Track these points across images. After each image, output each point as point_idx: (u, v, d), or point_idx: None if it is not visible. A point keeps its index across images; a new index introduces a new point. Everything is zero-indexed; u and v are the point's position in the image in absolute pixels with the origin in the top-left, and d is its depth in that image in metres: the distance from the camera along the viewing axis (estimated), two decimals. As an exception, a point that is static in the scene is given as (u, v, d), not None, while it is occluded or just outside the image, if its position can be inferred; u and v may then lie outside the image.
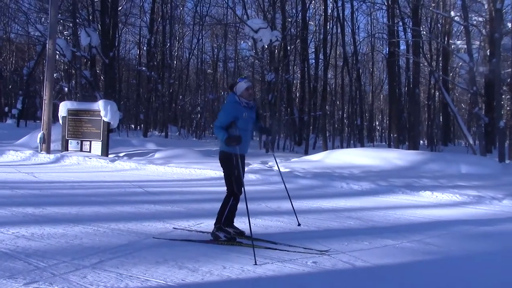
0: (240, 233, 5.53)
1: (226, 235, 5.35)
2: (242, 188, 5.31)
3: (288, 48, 26.70)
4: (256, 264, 4.48)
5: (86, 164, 13.63)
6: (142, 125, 32.95)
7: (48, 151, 15.23)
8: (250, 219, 5.08)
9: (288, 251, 4.99)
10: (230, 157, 5.33)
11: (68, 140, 15.57)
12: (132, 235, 5.48)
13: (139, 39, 36.68)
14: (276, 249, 5.04)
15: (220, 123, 5.32)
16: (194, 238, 5.44)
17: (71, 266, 4.21)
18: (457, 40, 30.08)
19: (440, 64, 28.48)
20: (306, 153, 21.19)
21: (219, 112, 5.58)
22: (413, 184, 10.61)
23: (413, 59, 20.97)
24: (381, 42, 36.54)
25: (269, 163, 13.81)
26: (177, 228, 5.87)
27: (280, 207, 7.64)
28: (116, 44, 28.56)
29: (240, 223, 5.75)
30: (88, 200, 7.76)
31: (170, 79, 32.01)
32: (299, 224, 5.85)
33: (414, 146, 20.24)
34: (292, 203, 6.09)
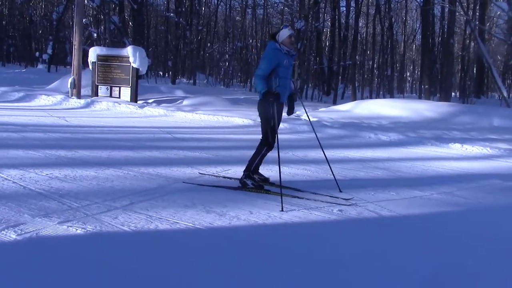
0: (265, 179, 5.60)
1: (253, 182, 5.41)
2: (276, 138, 5.32)
3: (319, -6, 26.01)
4: (282, 210, 4.54)
5: (116, 110, 13.80)
6: (170, 72, 32.92)
7: (79, 96, 15.45)
8: (280, 167, 5.11)
9: (314, 199, 5.03)
10: (268, 106, 5.31)
11: (98, 85, 15.73)
12: (161, 179, 5.59)
13: (167, -16, 36.15)
14: (302, 197, 5.08)
15: (262, 71, 5.25)
16: (222, 184, 5.53)
17: (103, 207, 4.34)
18: (497, -13, 28.76)
19: (477, 13, 27.35)
20: (335, 103, 20.99)
21: (260, 60, 5.50)
22: (442, 136, 10.47)
23: (449, 7, 20.22)
24: (416, -11, 35.25)
25: (297, 112, 13.76)
26: (204, 174, 5.95)
27: (307, 156, 7.66)
28: (145, -11, 28.26)
29: (267, 170, 5.80)
30: (118, 144, 7.90)
31: (198, 25, 31.71)
32: (340, 191, 5.45)
33: (445, 98, 19.84)
34: (332, 168, 5.81)
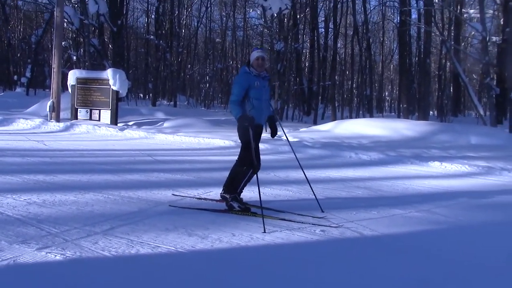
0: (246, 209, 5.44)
1: (240, 205, 5.38)
2: (259, 159, 5.37)
3: (298, 16, 26.37)
4: (265, 232, 4.53)
5: (96, 133, 13.70)
6: (150, 94, 32.85)
7: (58, 119, 15.31)
8: (260, 188, 5.11)
9: (296, 221, 5.03)
10: (246, 131, 5.32)
11: (77, 108, 15.62)
12: (142, 202, 5.54)
13: (147, 7, 36.21)
14: (284, 218, 5.07)
15: (235, 97, 5.30)
16: (205, 206, 5.49)
17: (83, 232, 4.27)
18: (470, 9, 29.50)
19: (452, 34, 28.00)
20: (315, 123, 21.14)
21: (232, 86, 5.55)
22: (422, 155, 10.59)
23: (425, 28, 20.68)
24: (392, 11, 36.00)
25: (278, 133, 13.81)
26: (185, 196, 5.92)
27: (289, 176, 7.67)
28: (124, 12, 28.33)
29: (249, 191, 5.79)
30: (98, 168, 7.82)
31: (178, 48, 31.77)
32: (322, 211, 5.44)
33: (423, 116, 20.14)
34: (312, 188, 5.82)
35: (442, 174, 8.89)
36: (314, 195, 5.69)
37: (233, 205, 5.39)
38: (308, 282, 3.47)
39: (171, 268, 3.60)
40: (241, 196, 5.59)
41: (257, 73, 5.41)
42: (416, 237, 4.72)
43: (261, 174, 7.67)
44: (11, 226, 4.33)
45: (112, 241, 4.05)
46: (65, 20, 20.09)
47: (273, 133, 5.83)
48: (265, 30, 26.71)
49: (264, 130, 5.87)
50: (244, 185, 5.52)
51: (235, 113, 5.26)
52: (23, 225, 4.39)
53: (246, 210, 5.33)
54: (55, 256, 3.64)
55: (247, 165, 5.40)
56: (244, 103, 5.32)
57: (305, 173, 5.93)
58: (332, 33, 26.65)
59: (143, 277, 3.39)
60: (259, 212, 5.17)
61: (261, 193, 5.10)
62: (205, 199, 5.86)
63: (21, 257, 3.58)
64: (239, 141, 5.55)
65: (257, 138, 5.51)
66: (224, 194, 5.49)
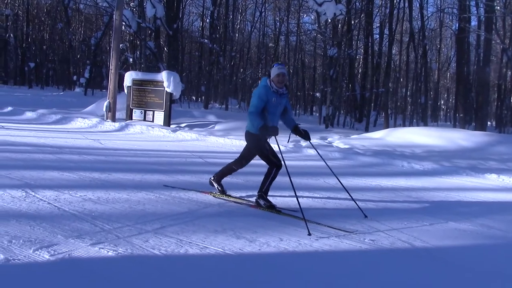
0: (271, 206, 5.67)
1: (265, 202, 5.63)
2: (281, 160, 5.59)
3: (352, 22, 26.09)
4: (310, 234, 4.57)
5: (149, 133, 14.01)
6: (203, 97, 33.32)
7: (114, 119, 15.75)
8: (296, 194, 5.08)
9: (342, 229, 4.96)
10: (256, 138, 5.66)
11: (132, 109, 16.02)
12: (192, 203, 5.61)
13: (202, 11, 36.86)
14: (331, 227, 5.01)
15: (255, 109, 5.51)
16: (245, 204, 5.54)
17: (134, 230, 4.37)
18: (534, 16, 28.30)
19: (514, 42, 26.96)
20: (367, 130, 20.83)
21: (251, 98, 5.70)
22: (478, 166, 10.23)
23: (485, 35, 19.99)
24: (450, 18, 35.01)
25: (329, 139, 13.70)
26: (217, 196, 5.97)
27: (338, 184, 7.57)
28: (180, 16, 28.88)
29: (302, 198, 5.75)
30: (151, 168, 7.99)
31: (231, 52, 32.10)
32: (365, 216, 5.47)
33: (481, 127, 19.46)
34: (351, 194, 5.88)
35: (500, 187, 8.55)
36: (355, 202, 5.75)
37: (259, 201, 5.67)
38: (356, 291, 3.42)
39: (218, 270, 3.63)
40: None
41: (275, 89, 5.57)
42: (469, 252, 4.56)
43: (311, 180, 7.66)
44: (67, 221, 4.49)
45: (162, 240, 4.12)
46: (123, 23, 20.68)
47: (306, 136, 6.01)
48: (319, 35, 26.59)
49: (287, 142, 6.24)
50: (269, 185, 5.70)
51: (257, 123, 5.44)
52: (78, 220, 4.54)
53: (271, 207, 5.57)
54: (108, 252, 3.74)
55: (272, 166, 5.67)
56: (264, 114, 5.53)
57: (340, 180, 5.88)
58: (387, 40, 26.20)
59: (190, 277, 3.43)
60: (296, 215, 5.16)
61: (311, 200, 5.06)
62: (242, 201, 5.87)
63: (75, 252, 3.70)
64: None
65: (267, 143, 5.76)
66: (212, 180, 6.22)
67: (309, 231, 4.61)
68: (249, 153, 6.01)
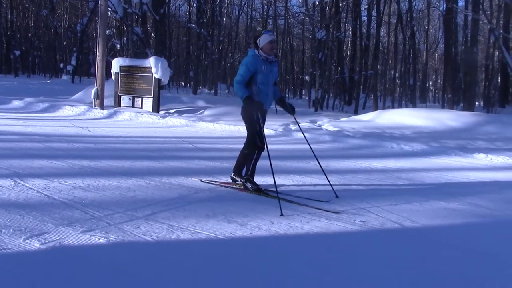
0: (258, 189, 5.62)
1: (253, 186, 5.61)
2: (264, 141, 5.53)
3: (340, 4, 25.95)
4: (282, 215, 4.63)
5: (138, 120, 13.94)
6: (191, 82, 33.18)
7: (102, 106, 15.65)
8: (295, 177, 5.09)
9: (333, 212, 4.99)
10: (251, 111, 5.48)
11: (120, 96, 15.92)
12: (182, 189, 5.61)
13: (189, -4, 36.54)
14: (319, 208, 5.04)
15: (241, 77, 5.42)
16: (235, 189, 5.56)
17: (125, 216, 4.36)
18: (521, -5, 28.34)
19: (501, 22, 27.02)
20: (356, 112, 20.88)
21: (239, 67, 5.63)
22: (466, 146, 10.31)
23: (472, 15, 20.00)
24: (438, -2, 34.98)
25: (318, 122, 13.71)
26: (206, 182, 5.96)
27: (329, 166, 7.60)
28: (167, 1, 28.58)
29: (289, 180, 5.77)
30: (140, 154, 7.97)
31: (219, 36, 31.92)
32: (336, 196, 5.50)
33: (469, 107, 19.57)
34: (326, 173, 5.88)
35: (488, 166, 8.63)
36: (329, 182, 5.76)
37: (247, 185, 5.63)
38: (346, 272, 3.44)
39: (210, 254, 3.64)
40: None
41: (265, 57, 5.48)
42: (459, 231, 4.61)
43: (301, 163, 7.68)
44: (57, 209, 4.47)
45: (153, 226, 4.12)
46: (109, 9, 20.45)
47: (292, 111, 5.94)
48: (307, 18, 26.49)
49: (274, 112, 5.99)
50: (253, 168, 5.69)
51: (241, 93, 5.39)
52: (69, 208, 4.52)
53: (259, 190, 5.55)
54: (99, 239, 3.74)
55: (251, 146, 5.61)
56: (249, 85, 5.43)
57: (320, 163, 5.88)
58: (375, 22, 26.13)
59: (182, 263, 3.44)
60: (285, 197, 5.18)
61: (300, 182, 5.08)
62: (229, 185, 5.87)
63: (66, 239, 3.69)
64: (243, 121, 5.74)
65: (263, 121, 5.61)
66: (233, 176, 5.83)
67: (281, 212, 4.68)
68: (253, 128, 5.59)
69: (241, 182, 5.73)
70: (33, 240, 3.62)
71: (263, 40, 5.48)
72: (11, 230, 3.81)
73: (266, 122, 5.81)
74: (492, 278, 3.50)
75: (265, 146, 5.55)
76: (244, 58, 5.65)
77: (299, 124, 6.69)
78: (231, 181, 5.95)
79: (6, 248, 3.46)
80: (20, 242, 3.58)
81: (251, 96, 5.39)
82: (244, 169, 5.76)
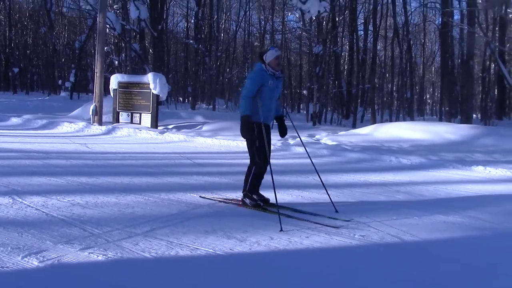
0: (265, 200, 5.66)
1: (251, 201, 5.58)
2: (268, 158, 5.45)
3: (337, 19, 26.15)
4: (281, 230, 4.61)
5: (137, 136, 13.95)
6: (190, 97, 33.24)
7: (100, 122, 15.66)
8: (275, 190, 5.09)
9: (332, 226, 4.98)
10: (252, 126, 5.44)
11: (119, 112, 15.95)
12: (181, 205, 5.60)
13: (186, 12, 36.71)
14: (319, 223, 5.03)
15: (247, 92, 5.42)
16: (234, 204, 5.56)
17: (124, 233, 4.35)
18: (516, 9, 28.58)
19: (497, 35, 27.19)
20: (354, 126, 20.92)
21: (245, 81, 5.65)
22: (465, 159, 10.33)
23: (468, 29, 20.14)
24: (433, 12, 35.21)
25: (316, 136, 13.73)
26: (205, 198, 5.94)
27: (327, 180, 7.60)
28: (165, 17, 28.77)
29: (287, 195, 5.77)
30: (139, 170, 7.96)
31: (217, 52, 32.05)
32: (336, 211, 5.49)
33: (466, 120, 19.61)
34: (326, 187, 5.88)
35: (486, 179, 8.64)
36: (329, 196, 5.73)
37: (245, 201, 5.63)
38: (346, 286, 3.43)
39: (210, 271, 3.63)
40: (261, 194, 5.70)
41: (272, 72, 5.49)
42: (458, 244, 4.59)
43: (300, 178, 7.68)
44: (55, 226, 4.46)
45: (152, 243, 4.11)
46: (107, 26, 20.58)
47: (283, 133, 5.91)
48: (304, 33, 26.66)
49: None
50: (258, 184, 5.66)
51: (243, 109, 5.41)
52: (67, 225, 4.51)
53: (257, 206, 5.54)
54: (98, 256, 3.72)
55: (255, 162, 5.57)
56: (255, 100, 5.42)
57: (320, 176, 5.88)
58: (371, 36, 26.32)
59: (182, 279, 3.42)
60: (285, 213, 5.17)
61: (298, 197, 5.08)
62: (230, 201, 5.86)
63: (65, 257, 3.67)
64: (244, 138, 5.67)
65: (268, 138, 5.56)
66: (243, 198, 5.72)
67: (281, 228, 4.65)
68: (252, 144, 5.54)
69: (259, 199, 5.64)
70: (32, 258, 3.60)
71: (269, 56, 5.51)
72: (9, 248, 3.80)
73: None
74: (493, 292, 3.49)
75: (267, 163, 5.48)
76: (250, 72, 5.68)
77: (301, 138, 6.69)
78: (234, 197, 5.96)
79: (5, 266, 3.44)
80: (18, 260, 3.56)
81: (250, 117, 5.39)
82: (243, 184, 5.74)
